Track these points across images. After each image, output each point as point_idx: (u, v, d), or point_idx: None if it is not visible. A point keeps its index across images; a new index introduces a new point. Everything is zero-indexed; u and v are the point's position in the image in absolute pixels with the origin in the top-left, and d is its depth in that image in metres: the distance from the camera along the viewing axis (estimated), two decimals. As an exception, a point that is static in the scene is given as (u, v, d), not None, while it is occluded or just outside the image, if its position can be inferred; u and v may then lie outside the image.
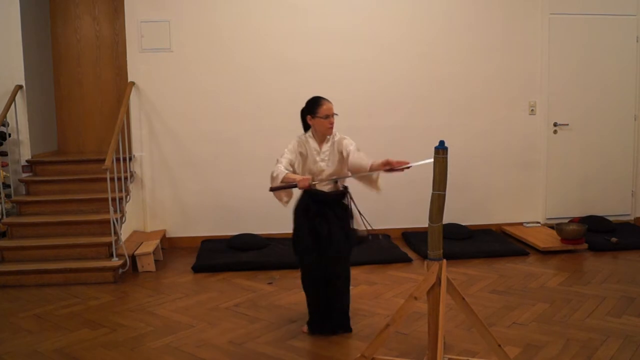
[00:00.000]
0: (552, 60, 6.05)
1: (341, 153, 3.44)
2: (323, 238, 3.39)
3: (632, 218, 6.40)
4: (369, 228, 3.46)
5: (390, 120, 5.92)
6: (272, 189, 3.35)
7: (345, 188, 3.54)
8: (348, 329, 3.58)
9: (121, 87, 6.23)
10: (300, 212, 3.49)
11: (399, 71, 5.88)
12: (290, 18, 5.73)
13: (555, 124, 6.15)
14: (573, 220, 5.85)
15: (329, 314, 3.54)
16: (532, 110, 6.09)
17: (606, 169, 6.28)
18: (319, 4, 5.75)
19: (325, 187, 3.46)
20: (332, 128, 3.44)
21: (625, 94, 6.23)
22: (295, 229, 3.53)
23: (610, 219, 6.08)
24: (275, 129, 5.81)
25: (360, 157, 3.34)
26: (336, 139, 3.47)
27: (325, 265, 3.44)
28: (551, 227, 5.92)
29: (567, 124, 6.16)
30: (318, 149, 3.47)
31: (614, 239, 5.51)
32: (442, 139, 2.72)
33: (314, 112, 3.43)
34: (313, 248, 3.42)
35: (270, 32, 5.72)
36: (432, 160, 2.71)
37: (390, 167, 3.08)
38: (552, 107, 6.12)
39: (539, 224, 6.15)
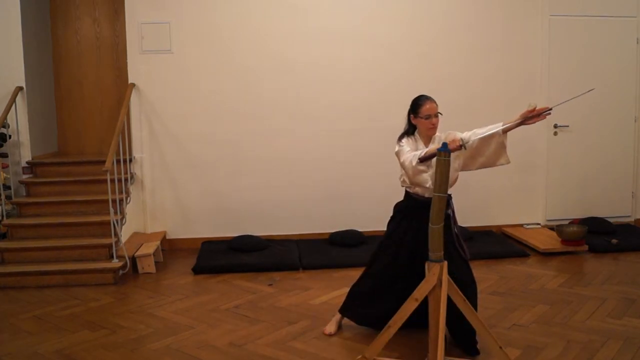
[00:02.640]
0: (552, 62, 6.05)
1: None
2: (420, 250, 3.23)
3: (633, 219, 6.40)
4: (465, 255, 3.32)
5: (390, 121, 5.88)
6: (421, 160, 3.07)
7: (449, 196, 3.28)
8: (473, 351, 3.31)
9: (121, 89, 6.23)
10: (402, 216, 3.45)
11: (398, 71, 5.88)
12: (290, 19, 5.73)
13: (555, 126, 6.15)
14: (573, 222, 5.84)
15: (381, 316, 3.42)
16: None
17: (606, 170, 6.28)
18: (318, 4, 5.75)
19: (427, 193, 3.26)
20: (434, 129, 3.30)
21: (625, 95, 6.23)
22: (389, 232, 3.51)
23: (611, 220, 6.07)
24: (275, 129, 5.82)
25: (481, 130, 3.06)
26: (443, 136, 3.29)
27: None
28: (551, 228, 5.92)
29: (568, 126, 6.16)
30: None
31: (614, 241, 5.51)
32: (444, 142, 2.73)
33: (415, 111, 3.33)
34: (395, 256, 3.42)
35: (271, 32, 5.72)
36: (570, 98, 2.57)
37: (534, 113, 2.90)
38: (553, 109, 6.10)
39: (539, 226, 6.15)
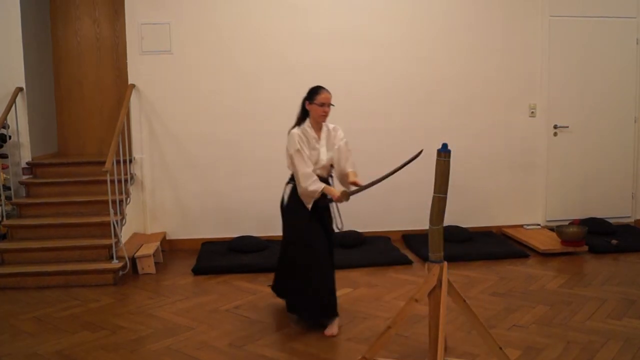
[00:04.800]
0: (553, 63, 6.05)
1: (334, 142, 3.77)
2: (327, 227, 3.78)
3: (633, 220, 6.40)
4: (339, 225, 3.88)
5: (390, 122, 5.92)
6: (323, 200, 3.67)
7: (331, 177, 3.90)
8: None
9: (121, 89, 6.23)
10: (301, 207, 3.66)
11: (398, 72, 5.88)
12: (290, 20, 5.73)
13: (555, 126, 6.15)
14: (573, 222, 5.84)
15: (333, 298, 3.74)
16: (533, 112, 6.10)
17: (606, 171, 6.28)
18: (318, 4, 5.75)
19: (320, 173, 3.73)
20: (325, 116, 3.70)
21: (625, 96, 6.23)
22: (299, 219, 3.67)
23: (611, 221, 6.07)
24: (275, 130, 5.76)
25: (348, 161, 3.76)
26: (330, 127, 3.80)
27: (331, 252, 3.83)
28: (551, 229, 5.92)
29: (567, 126, 6.16)
30: (316, 137, 3.71)
31: (614, 241, 5.50)
32: (444, 142, 2.73)
33: (312, 98, 3.70)
34: (322, 235, 3.70)
35: (271, 33, 5.72)
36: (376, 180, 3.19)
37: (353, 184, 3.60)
38: (553, 109, 6.12)
39: (539, 226, 6.15)
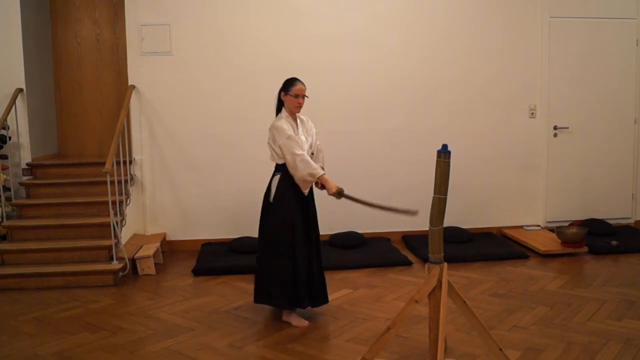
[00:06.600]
0: (552, 64, 6.05)
1: (308, 130, 3.89)
2: (310, 216, 3.82)
3: (633, 221, 6.40)
4: None
5: (391, 124, 5.92)
6: (321, 188, 3.74)
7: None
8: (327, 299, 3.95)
9: (121, 90, 6.24)
10: (291, 194, 3.72)
11: (399, 74, 5.88)
12: (291, 21, 5.74)
13: (555, 127, 6.15)
14: (573, 224, 5.84)
15: (310, 286, 3.82)
16: (533, 113, 6.10)
17: (606, 172, 6.28)
18: (319, 7, 5.75)
19: None
20: (299, 107, 3.79)
21: (625, 97, 6.24)
22: (287, 212, 3.71)
23: (611, 222, 6.08)
24: (275, 132, 5.81)
25: (320, 152, 3.93)
26: (303, 118, 3.91)
27: (316, 240, 3.87)
28: (551, 230, 5.92)
29: (567, 127, 6.16)
30: (295, 125, 3.80)
31: (614, 242, 5.50)
32: (444, 143, 2.73)
33: (287, 89, 3.77)
34: (303, 226, 3.76)
35: (271, 35, 5.73)
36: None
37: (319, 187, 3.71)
38: (553, 110, 6.13)
39: (540, 227, 6.15)
